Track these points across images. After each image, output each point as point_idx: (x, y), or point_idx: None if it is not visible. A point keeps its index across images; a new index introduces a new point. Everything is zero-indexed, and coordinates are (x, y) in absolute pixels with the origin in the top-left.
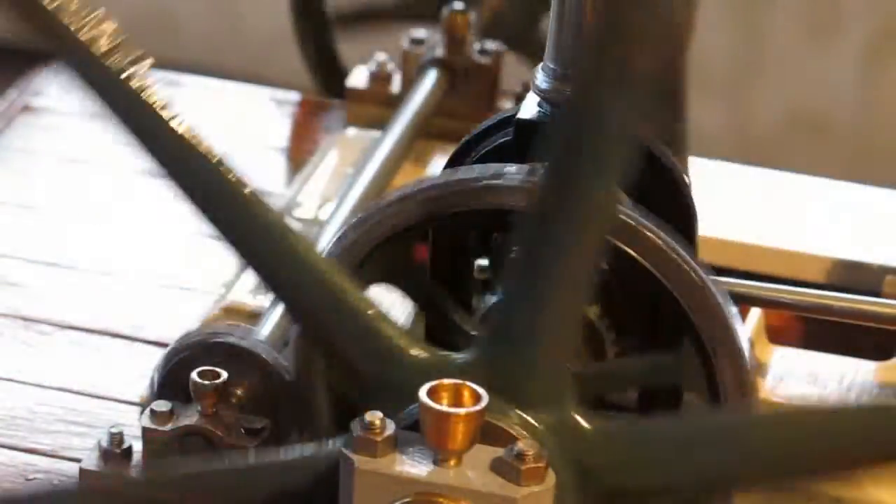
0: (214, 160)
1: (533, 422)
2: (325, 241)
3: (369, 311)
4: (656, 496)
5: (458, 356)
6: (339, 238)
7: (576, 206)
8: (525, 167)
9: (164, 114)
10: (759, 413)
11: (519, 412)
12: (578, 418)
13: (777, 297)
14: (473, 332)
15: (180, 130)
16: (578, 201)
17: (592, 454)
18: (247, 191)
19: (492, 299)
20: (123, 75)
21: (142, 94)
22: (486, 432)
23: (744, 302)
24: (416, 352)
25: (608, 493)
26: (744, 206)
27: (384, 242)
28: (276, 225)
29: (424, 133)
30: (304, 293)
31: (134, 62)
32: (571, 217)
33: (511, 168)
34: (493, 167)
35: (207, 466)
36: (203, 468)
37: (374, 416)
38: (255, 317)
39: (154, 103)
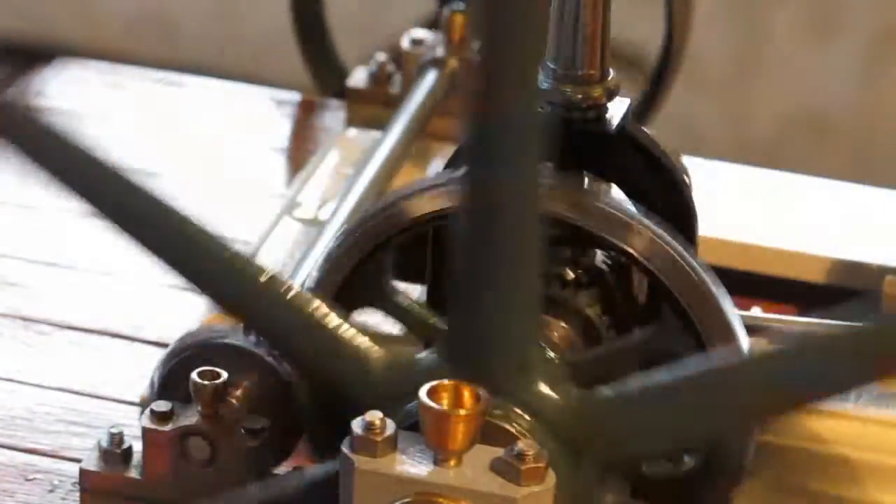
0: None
1: (506, 402)
2: (324, 244)
3: (331, 324)
4: (648, 459)
5: (423, 355)
6: (343, 235)
7: (502, 190)
8: None
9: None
10: (743, 355)
11: (494, 397)
12: (550, 392)
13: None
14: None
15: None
16: (504, 185)
17: (574, 427)
18: (191, 225)
19: None
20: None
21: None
22: (490, 434)
23: (755, 334)
24: (382, 358)
25: (600, 463)
26: (744, 206)
27: (392, 237)
28: (214, 246)
29: (424, 133)
30: (267, 319)
31: None
32: (500, 202)
33: None
34: None
35: None
36: None
37: (374, 416)
38: None
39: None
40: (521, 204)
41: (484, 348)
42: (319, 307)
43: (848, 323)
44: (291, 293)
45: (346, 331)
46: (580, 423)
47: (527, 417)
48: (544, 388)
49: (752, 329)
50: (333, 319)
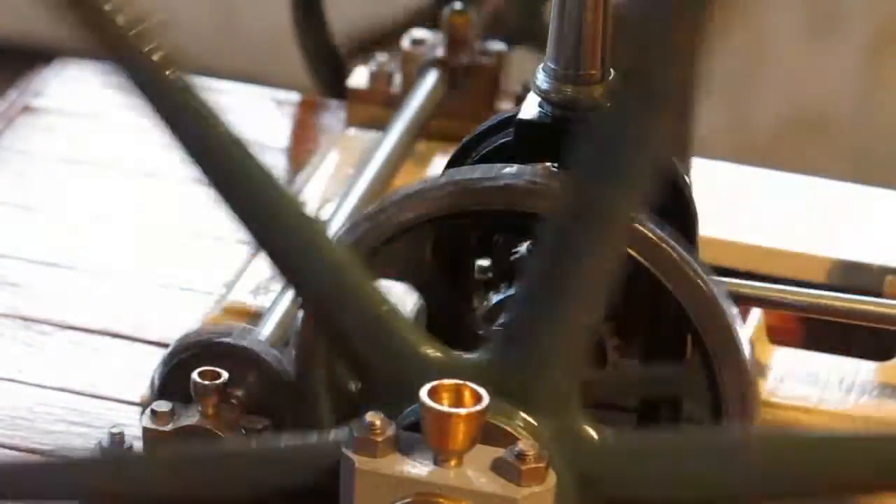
0: (242, 151)
1: (540, 427)
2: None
3: (383, 307)
4: None
5: (470, 357)
6: (349, 230)
7: (600, 221)
8: (527, 168)
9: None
10: (762, 433)
11: (526, 416)
12: (585, 427)
13: (777, 297)
14: (479, 332)
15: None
16: (603, 216)
17: (595, 464)
18: (271, 180)
19: (495, 299)
20: (174, 81)
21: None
22: (493, 435)
23: (744, 302)
24: (428, 350)
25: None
26: (744, 206)
27: (391, 238)
28: (295, 212)
29: (425, 133)
30: (319, 283)
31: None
32: (595, 230)
33: (511, 169)
34: (495, 168)
35: (209, 450)
36: (204, 452)
37: (375, 417)
38: (255, 317)
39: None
40: (615, 230)
41: (535, 368)
42: (376, 287)
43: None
44: (359, 273)
45: (399, 318)
46: (604, 460)
47: (555, 444)
48: (579, 420)
49: (746, 298)
50: (395, 313)
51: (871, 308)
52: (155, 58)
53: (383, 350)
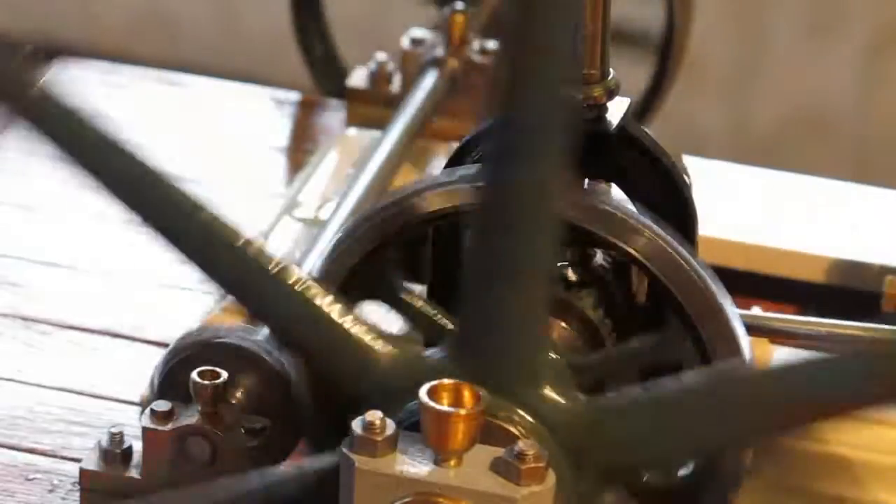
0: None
1: (511, 405)
2: (324, 243)
3: (340, 318)
4: (651, 468)
5: (430, 354)
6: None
7: (522, 192)
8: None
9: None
10: (746, 369)
11: (499, 399)
12: (557, 397)
13: (784, 327)
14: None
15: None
16: (524, 188)
17: (579, 433)
18: (206, 213)
19: None
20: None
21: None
22: (490, 434)
23: (756, 333)
24: (390, 354)
25: (602, 470)
26: (744, 205)
27: (399, 234)
28: (234, 240)
29: (424, 133)
30: (276, 309)
31: None
32: (520, 204)
33: None
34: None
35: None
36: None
37: (375, 416)
38: None
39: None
40: (538, 206)
41: (492, 349)
42: (327, 299)
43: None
44: (300, 284)
45: (353, 325)
46: (585, 428)
47: (530, 420)
48: (550, 392)
49: (752, 328)
50: (341, 313)
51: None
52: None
53: (347, 363)
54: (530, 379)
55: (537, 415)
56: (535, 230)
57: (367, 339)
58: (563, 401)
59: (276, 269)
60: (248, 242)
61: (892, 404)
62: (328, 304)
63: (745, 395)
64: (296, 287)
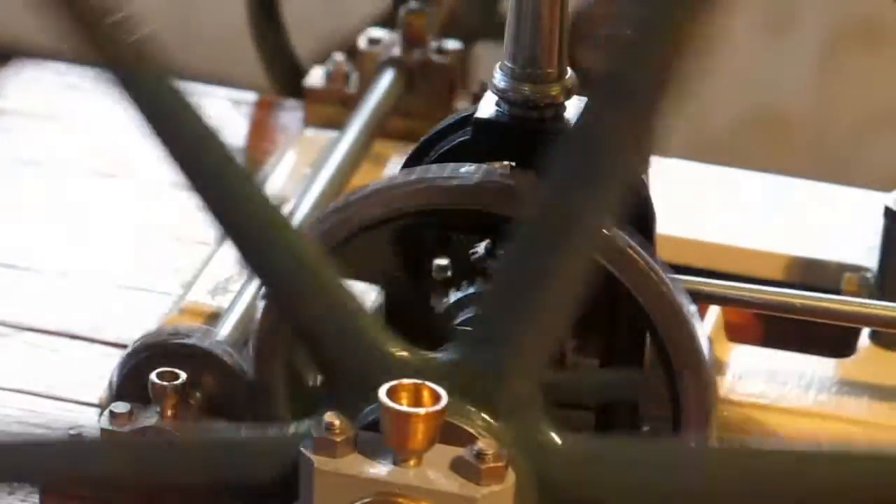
0: (219, 147)
1: (500, 429)
2: None
3: (351, 302)
4: None
5: (436, 356)
6: (311, 227)
7: (572, 229)
8: (484, 167)
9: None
10: (721, 447)
11: (488, 417)
12: (546, 430)
13: (736, 294)
14: (438, 331)
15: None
16: (576, 225)
17: (554, 467)
18: (244, 176)
19: (454, 297)
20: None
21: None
22: (454, 435)
23: (703, 299)
24: (395, 349)
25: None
26: (702, 204)
27: (351, 237)
28: (266, 206)
29: (382, 133)
30: (289, 275)
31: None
32: (566, 238)
33: (470, 168)
34: (451, 167)
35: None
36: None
37: (334, 417)
38: (213, 317)
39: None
40: (586, 233)
41: (504, 373)
42: (350, 292)
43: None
44: (327, 271)
45: (373, 323)
46: (563, 464)
47: (515, 446)
48: (541, 425)
49: (705, 296)
50: (362, 309)
51: (829, 305)
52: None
53: (350, 345)
54: (526, 407)
55: (520, 441)
56: (575, 267)
57: (376, 331)
58: (552, 434)
59: (307, 248)
60: (284, 216)
61: None
62: (341, 287)
63: (722, 476)
64: (316, 265)
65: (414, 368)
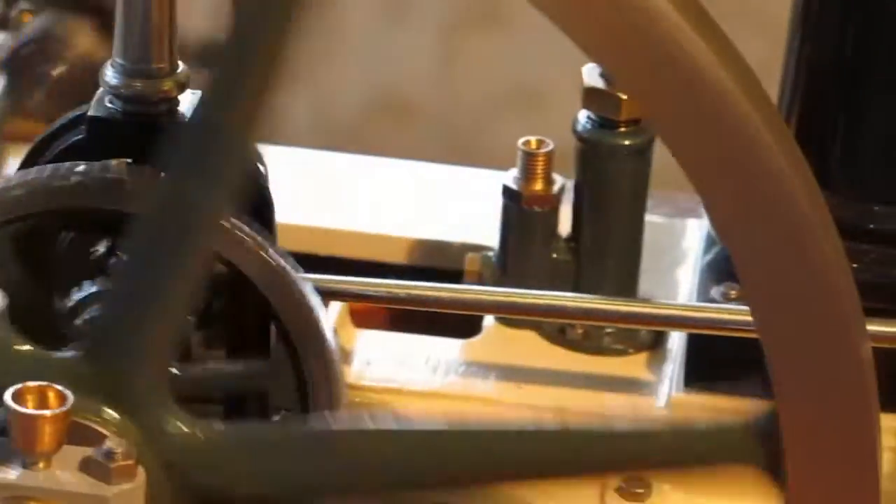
0: None
1: (128, 424)
2: None
3: None
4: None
5: (60, 355)
6: None
7: (189, 222)
8: (98, 164)
9: None
10: (349, 426)
11: (114, 414)
12: (174, 421)
13: (360, 290)
14: (63, 330)
15: None
16: (193, 218)
17: (184, 458)
18: None
19: (76, 297)
20: None
21: None
22: (84, 434)
23: (328, 296)
24: (21, 352)
25: (205, 498)
26: (324, 191)
27: None
28: None
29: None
30: None
31: None
32: (184, 231)
33: (75, 167)
34: (65, 166)
35: None
36: None
37: None
38: None
39: None
40: (199, 228)
41: (127, 369)
42: None
43: None
44: None
45: None
46: (193, 454)
47: (144, 440)
48: (170, 414)
49: (332, 294)
50: None
51: (453, 295)
52: None
53: None
54: (152, 400)
55: (148, 435)
56: (193, 260)
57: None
58: (181, 425)
59: None
60: None
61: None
62: None
63: (353, 456)
64: None
65: (39, 369)
